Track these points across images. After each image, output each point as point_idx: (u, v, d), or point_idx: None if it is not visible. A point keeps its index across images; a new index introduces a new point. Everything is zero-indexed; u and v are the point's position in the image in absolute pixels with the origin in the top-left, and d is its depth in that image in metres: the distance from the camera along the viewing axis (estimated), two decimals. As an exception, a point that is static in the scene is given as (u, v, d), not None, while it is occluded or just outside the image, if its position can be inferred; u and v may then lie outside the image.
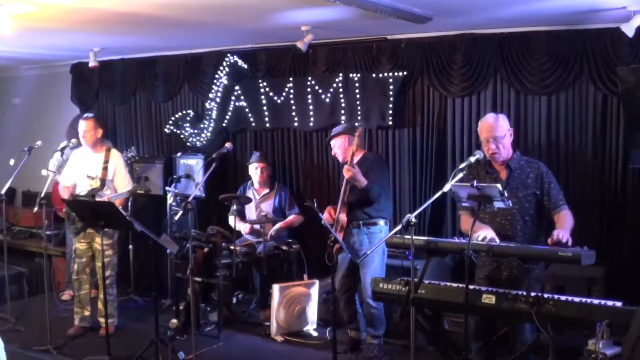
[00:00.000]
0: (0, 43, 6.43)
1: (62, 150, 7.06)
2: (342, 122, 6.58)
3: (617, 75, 5.24)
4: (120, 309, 6.50)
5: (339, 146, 5.77)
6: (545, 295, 3.92)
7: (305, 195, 6.94)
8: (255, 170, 6.77)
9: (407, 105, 6.45)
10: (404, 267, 5.55)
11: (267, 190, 6.83)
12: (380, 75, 6.42)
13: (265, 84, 7.13)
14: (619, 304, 3.75)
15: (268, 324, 6.15)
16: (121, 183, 6.21)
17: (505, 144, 4.47)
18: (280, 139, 7.30)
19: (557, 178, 4.72)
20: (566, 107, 5.69)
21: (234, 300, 6.85)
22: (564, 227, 4.23)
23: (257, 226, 6.73)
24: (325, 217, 5.67)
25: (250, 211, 6.88)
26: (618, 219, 5.55)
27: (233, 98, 7.34)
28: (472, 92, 6.04)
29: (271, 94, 7.11)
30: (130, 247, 7.17)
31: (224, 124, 7.44)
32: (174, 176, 6.79)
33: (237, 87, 7.30)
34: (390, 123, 6.43)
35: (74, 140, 6.74)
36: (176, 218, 5.83)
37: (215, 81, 7.32)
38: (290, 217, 6.75)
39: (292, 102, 6.99)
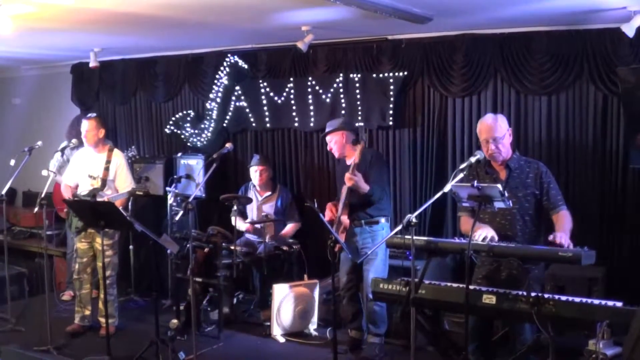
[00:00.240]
0: (0, 43, 6.43)
1: (63, 150, 7.06)
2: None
3: (617, 75, 5.25)
4: (120, 309, 6.50)
5: (335, 142, 5.75)
6: (546, 296, 3.92)
7: (306, 195, 6.94)
8: (255, 173, 6.77)
9: (408, 106, 6.45)
10: (405, 267, 5.54)
11: (269, 193, 6.83)
12: (381, 75, 6.42)
13: (265, 84, 7.14)
14: (619, 304, 3.75)
15: (268, 324, 6.15)
16: (123, 183, 6.21)
17: (504, 144, 4.47)
18: (280, 139, 7.30)
19: (557, 178, 4.72)
20: (566, 107, 5.70)
21: (235, 300, 6.84)
22: (563, 229, 4.22)
23: (257, 226, 6.73)
24: (327, 214, 5.69)
25: (252, 212, 6.88)
26: (618, 219, 5.55)
27: (233, 98, 7.34)
28: (473, 92, 6.04)
29: (272, 94, 7.11)
30: (131, 247, 7.17)
31: (224, 124, 7.44)
32: (175, 176, 6.78)
33: (237, 87, 7.30)
34: (390, 123, 6.44)
35: (74, 141, 6.74)
36: (177, 218, 5.84)
37: (215, 81, 7.33)
38: (288, 228, 6.81)
39: (292, 102, 7.00)
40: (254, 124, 7.32)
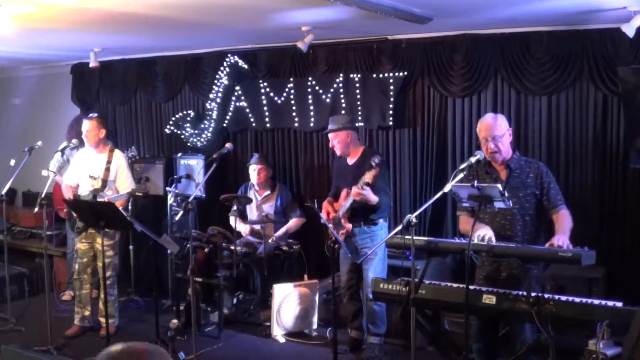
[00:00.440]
0: (0, 43, 6.43)
1: (63, 150, 7.06)
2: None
3: (617, 75, 5.24)
4: (120, 309, 6.51)
5: (339, 140, 5.71)
6: (546, 296, 3.92)
7: (306, 195, 6.94)
8: (253, 172, 6.77)
9: (408, 106, 6.45)
10: (405, 267, 5.54)
11: (268, 192, 6.83)
12: (381, 75, 6.42)
13: (265, 84, 7.14)
14: (619, 304, 3.75)
15: (269, 324, 6.16)
16: (123, 184, 6.22)
17: (504, 143, 4.46)
18: (280, 139, 7.30)
19: (557, 178, 4.73)
20: (566, 107, 5.70)
21: (235, 300, 6.84)
22: (563, 230, 4.22)
23: (257, 227, 6.73)
24: (324, 215, 5.70)
25: (252, 212, 6.88)
26: (618, 219, 5.55)
27: (233, 98, 7.34)
28: (473, 92, 6.04)
29: (272, 94, 7.11)
30: (131, 247, 7.17)
31: (224, 124, 7.44)
32: (175, 176, 6.79)
33: (237, 88, 7.30)
34: (390, 123, 6.43)
35: (74, 141, 6.75)
36: (177, 218, 5.85)
37: (215, 81, 7.33)
38: (291, 222, 6.77)
39: (292, 102, 7.00)
40: (254, 124, 7.32)
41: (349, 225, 5.58)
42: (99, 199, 6.01)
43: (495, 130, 4.43)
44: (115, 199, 6.06)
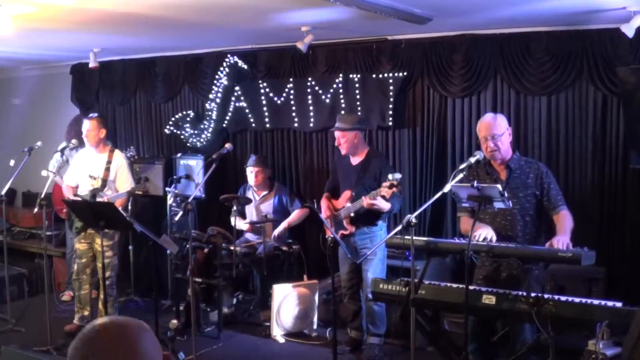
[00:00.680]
0: (0, 43, 6.43)
1: (62, 151, 7.06)
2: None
3: (617, 75, 5.24)
4: (120, 309, 6.50)
5: (347, 140, 5.66)
6: (545, 296, 3.92)
7: (306, 195, 6.94)
8: (250, 174, 6.75)
9: (407, 106, 6.45)
10: (404, 267, 5.54)
11: (266, 192, 6.82)
12: (381, 75, 6.42)
13: (265, 84, 7.13)
14: (619, 304, 3.75)
15: (268, 324, 6.16)
16: (123, 184, 6.22)
17: (503, 142, 4.46)
18: (280, 140, 7.30)
19: (557, 178, 4.73)
20: (566, 107, 5.69)
21: (234, 300, 6.84)
22: (564, 231, 4.22)
23: (257, 226, 6.72)
24: (324, 213, 5.71)
25: (251, 212, 6.88)
26: (618, 219, 5.55)
27: (233, 99, 7.34)
28: (472, 92, 6.04)
29: (271, 94, 7.11)
30: (131, 247, 7.17)
31: (224, 125, 7.44)
32: (174, 177, 6.79)
33: (237, 88, 7.30)
34: (390, 123, 6.43)
35: (74, 141, 6.75)
36: (176, 219, 5.85)
37: (215, 82, 7.32)
38: (294, 215, 6.74)
39: (292, 102, 6.99)
40: (253, 125, 7.32)
41: (352, 228, 5.58)
42: (99, 199, 6.01)
43: (495, 129, 4.43)
44: (114, 198, 6.06)
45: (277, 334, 6.08)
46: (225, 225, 6.72)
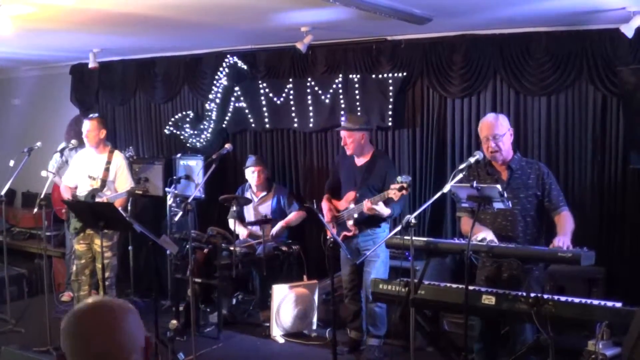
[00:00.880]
0: (0, 44, 6.43)
1: (62, 151, 7.06)
2: (343, 120, 6.59)
3: (617, 75, 5.24)
4: (120, 309, 6.49)
5: (354, 140, 5.63)
6: (545, 296, 3.92)
7: (305, 196, 6.94)
8: (252, 174, 6.73)
9: (407, 106, 6.44)
10: (404, 268, 5.54)
11: (264, 193, 6.81)
12: (380, 76, 6.42)
13: (265, 84, 7.13)
14: (618, 304, 3.75)
15: (268, 324, 6.15)
16: (122, 185, 6.22)
17: (505, 143, 4.46)
18: (279, 140, 7.30)
19: (557, 178, 4.73)
20: (566, 107, 5.69)
21: (234, 301, 6.84)
22: (564, 231, 4.22)
23: (256, 229, 6.71)
24: (327, 215, 5.71)
25: (249, 213, 6.87)
26: (618, 220, 5.55)
27: (233, 99, 7.34)
28: (472, 92, 6.04)
29: (271, 94, 7.11)
30: (130, 248, 7.15)
31: (223, 125, 7.44)
32: (174, 177, 6.78)
33: (236, 88, 7.30)
34: (390, 124, 6.43)
35: (73, 142, 6.74)
36: (176, 219, 5.84)
37: (215, 82, 7.32)
38: (291, 215, 6.74)
39: (291, 103, 6.99)
40: (253, 125, 7.32)
41: (356, 229, 5.58)
42: (98, 199, 6.01)
43: (496, 129, 4.43)
44: (114, 197, 6.06)
45: (277, 334, 6.08)
46: (224, 226, 6.72)
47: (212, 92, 7.35)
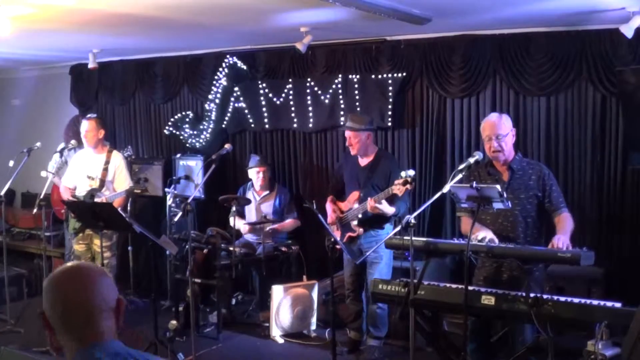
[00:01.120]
0: (0, 44, 6.43)
1: (61, 151, 7.06)
2: (342, 122, 6.60)
3: (616, 76, 5.24)
4: (119, 310, 6.49)
5: (359, 141, 5.60)
6: (544, 296, 3.93)
7: (305, 196, 6.94)
8: (257, 174, 6.72)
9: (407, 107, 6.44)
10: (404, 268, 5.55)
11: (267, 192, 6.81)
12: (380, 76, 6.42)
13: (264, 85, 7.13)
14: (618, 304, 3.75)
15: (267, 325, 6.15)
16: (121, 184, 6.22)
17: (507, 143, 4.46)
18: (279, 140, 7.29)
19: (556, 179, 4.72)
20: (565, 108, 5.69)
21: (234, 301, 6.84)
22: (564, 231, 4.22)
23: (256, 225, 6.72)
24: (330, 216, 5.71)
25: (250, 212, 6.87)
26: (617, 220, 5.55)
27: (232, 99, 7.34)
28: (472, 93, 6.04)
29: (270, 95, 7.11)
30: (130, 248, 7.17)
31: (223, 125, 7.44)
32: (174, 177, 6.78)
33: (236, 88, 7.30)
34: (389, 124, 6.43)
35: (73, 142, 6.75)
36: (175, 219, 5.83)
37: (214, 82, 7.32)
38: (285, 222, 6.75)
39: (291, 103, 6.99)
40: (252, 125, 7.32)
41: (361, 230, 5.57)
42: (96, 199, 6.00)
43: (500, 129, 4.43)
44: (113, 197, 6.06)
45: (276, 334, 6.08)
46: (224, 226, 6.73)
47: (212, 92, 7.35)
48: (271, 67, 7.16)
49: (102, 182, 6.13)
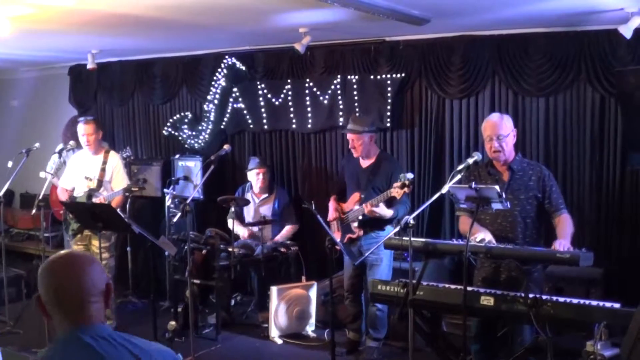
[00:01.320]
0: (-2, 45, 6.43)
1: (60, 152, 7.05)
2: (341, 122, 6.60)
3: (615, 76, 5.24)
4: (118, 311, 6.49)
5: (362, 143, 5.57)
6: (544, 297, 3.93)
7: (304, 197, 6.94)
8: (257, 176, 6.71)
9: (405, 107, 6.45)
10: (403, 269, 5.54)
11: (266, 195, 6.80)
12: (379, 77, 6.42)
13: (263, 85, 7.13)
14: (617, 305, 3.75)
15: (266, 325, 6.15)
16: (119, 184, 6.21)
17: (508, 143, 4.46)
18: (278, 141, 7.29)
19: (555, 179, 4.72)
20: (564, 108, 5.70)
21: (232, 302, 6.84)
22: (565, 235, 4.21)
23: (255, 230, 6.70)
24: (332, 214, 5.71)
25: (249, 214, 6.87)
26: (616, 221, 5.56)
27: (231, 100, 7.34)
28: (470, 93, 6.04)
29: (269, 95, 7.11)
30: (129, 249, 7.16)
31: (222, 126, 7.44)
32: (172, 178, 6.77)
33: (235, 89, 7.30)
34: (388, 125, 6.43)
35: (71, 143, 6.74)
36: (174, 220, 5.83)
37: (213, 83, 7.32)
38: (284, 231, 6.77)
39: (290, 103, 6.99)
40: (251, 126, 7.32)
41: (361, 232, 5.57)
42: (94, 199, 6.00)
43: (501, 130, 4.43)
44: (111, 196, 6.05)
45: (275, 335, 6.07)
46: (223, 227, 6.72)
47: (211, 93, 7.35)
48: (270, 68, 7.16)
49: (100, 183, 6.13)
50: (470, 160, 4.26)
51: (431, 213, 6.26)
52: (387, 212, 5.32)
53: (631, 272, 5.36)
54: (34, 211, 5.86)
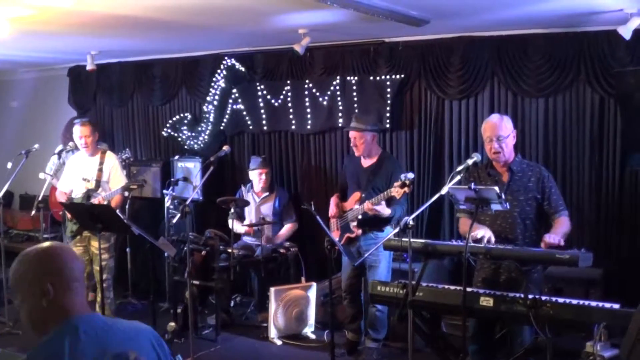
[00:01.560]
0: (-2, 46, 6.44)
1: (59, 153, 7.06)
2: (341, 123, 6.60)
3: (614, 77, 5.25)
4: (117, 312, 6.49)
5: (364, 141, 5.58)
6: (543, 298, 3.92)
7: (303, 197, 6.94)
8: (259, 176, 6.70)
9: (405, 108, 6.45)
10: (402, 269, 5.54)
11: (267, 194, 6.80)
12: (378, 78, 6.42)
13: (262, 86, 7.13)
14: (616, 306, 3.75)
15: (266, 326, 6.15)
16: (117, 184, 6.21)
17: (507, 144, 4.45)
18: (277, 142, 7.29)
19: (555, 180, 4.73)
20: (563, 109, 5.70)
21: (232, 303, 6.84)
22: (557, 232, 4.22)
23: (255, 227, 6.71)
24: (332, 210, 5.71)
25: (250, 214, 6.87)
26: (616, 221, 5.56)
27: (231, 101, 7.34)
28: (470, 94, 6.05)
29: (269, 96, 7.11)
30: (128, 250, 7.15)
31: (221, 127, 7.44)
32: (172, 179, 6.78)
33: (234, 90, 7.30)
34: (387, 126, 6.43)
35: (71, 144, 6.75)
36: (174, 221, 5.84)
37: (212, 84, 7.32)
38: (284, 230, 6.77)
39: (289, 105, 6.99)
40: (251, 127, 7.32)
41: (359, 231, 5.56)
42: (93, 199, 6.00)
43: (501, 131, 4.43)
44: (109, 195, 6.05)
45: (275, 336, 6.07)
46: (223, 228, 6.71)
47: (210, 94, 7.35)
48: (269, 69, 7.17)
49: (98, 183, 6.13)
50: (470, 161, 4.26)
51: (430, 214, 6.26)
52: (386, 211, 5.32)
53: (631, 273, 5.37)
54: (33, 212, 5.86)
